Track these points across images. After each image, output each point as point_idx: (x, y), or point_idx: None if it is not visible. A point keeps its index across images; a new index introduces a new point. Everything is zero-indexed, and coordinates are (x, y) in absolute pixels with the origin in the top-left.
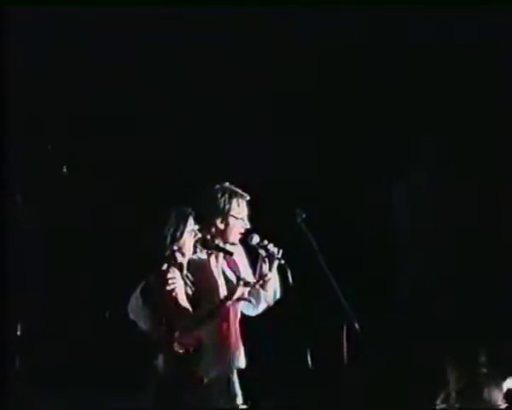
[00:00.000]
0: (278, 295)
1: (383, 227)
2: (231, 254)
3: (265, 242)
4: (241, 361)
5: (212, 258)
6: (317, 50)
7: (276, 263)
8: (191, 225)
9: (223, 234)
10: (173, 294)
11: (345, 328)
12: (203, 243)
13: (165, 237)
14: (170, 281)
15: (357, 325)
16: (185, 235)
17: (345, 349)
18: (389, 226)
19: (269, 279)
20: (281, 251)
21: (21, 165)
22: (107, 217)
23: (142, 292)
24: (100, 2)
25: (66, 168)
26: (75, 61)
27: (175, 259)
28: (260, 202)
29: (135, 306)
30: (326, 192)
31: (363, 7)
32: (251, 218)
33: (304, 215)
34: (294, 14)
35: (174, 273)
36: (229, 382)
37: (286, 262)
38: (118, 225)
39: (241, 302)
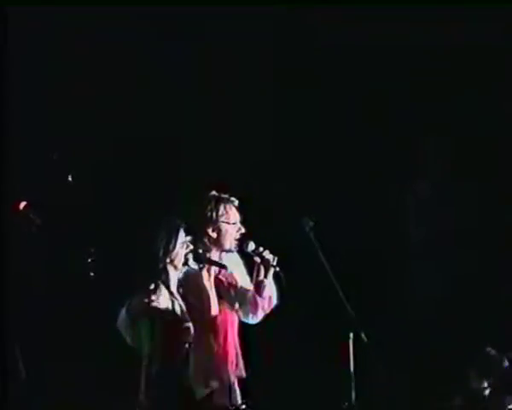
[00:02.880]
0: (275, 302)
1: (391, 235)
2: (225, 267)
3: (261, 249)
4: (242, 371)
5: (204, 272)
6: (319, 50)
7: (271, 270)
8: (182, 237)
9: (217, 242)
10: (157, 314)
11: (351, 338)
12: (195, 256)
13: (158, 250)
14: (154, 302)
15: (363, 336)
16: (177, 247)
17: (352, 360)
18: (398, 234)
19: (265, 287)
20: (276, 258)
21: (25, 171)
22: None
23: (127, 311)
24: (100, 2)
25: (72, 177)
26: (76, 61)
27: (166, 273)
28: (263, 209)
29: (122, 322)
30: (331, 198)
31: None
32: (247, 223)
33: (311, 224)
34: (296, 14)
35: (160, 292)
36: (231, 392)
37: (281, 269)
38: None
39: (239, 312)
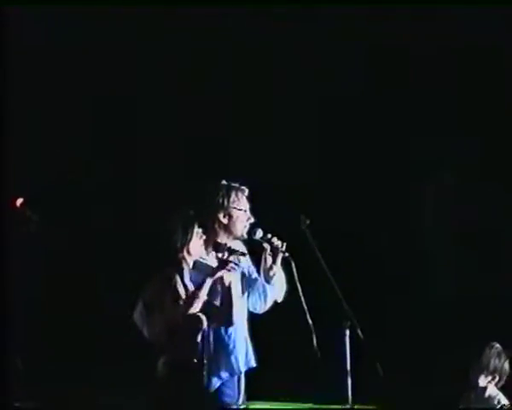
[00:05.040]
0: (285, 289)
1: (390, 233)
2: (245, 254)
3: (269, 235)
4: (251, 361)
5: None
6: (318, 49)
7: (280, 257)
8: (197, 228)
9: (227, 228)
10: (175, 295)
11: (347, 334)
12: (215, 246)
13: (176, 242)
14: (169, 292)
15: (359, 332)
16: (194, 238)
17: (348, 355)
18: (396, 232)
19: (274, 274)
20: (285, 244)
21: (24, 170)
22: (108, 219)
23: (143, 302)
24: (100, 1)
25: (70, 174)
26: (75, 61)
27: (181, 263)
28: (264, 205)
29: (139, 314)
30: (330, 195)
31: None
32: (254, 213)
33: (308, 221)
34: (297, 14)
35: (176, 283)
36: (239, 382)
37: (290, 255)
38: (121, 227)
39: (247, 300)
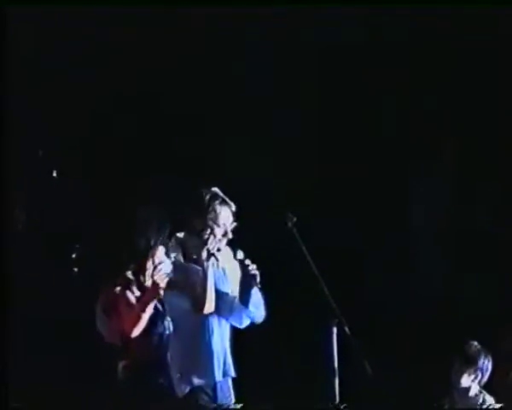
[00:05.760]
0: (263, 313)
1: (376, 231)
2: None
3: (247, 262)
4: (230, 370)
5: (210, 269)
6: (317, 49)
7: (255, 284)
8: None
9: (200, 236)
10: (123, 298)
11: (335, 332)
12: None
13: (149, 241)
14: (124, 295)
15: (347, 329)
16: (160, 239)
17: (335, 353)
18: (382, 230)
19: (247, 300)
20: (258, 277)
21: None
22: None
23: (100, 304)
24: (100, 1)
25: (57, 173)
26: (75, 61)
27: (142, 265)
28: (254, 204)
29: (99, 319)
30: (318, 191)
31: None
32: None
33: (295, 219)
34: (296, 14)
35: (131, 285)
36: (216, 390)
37: (261, 288)
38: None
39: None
